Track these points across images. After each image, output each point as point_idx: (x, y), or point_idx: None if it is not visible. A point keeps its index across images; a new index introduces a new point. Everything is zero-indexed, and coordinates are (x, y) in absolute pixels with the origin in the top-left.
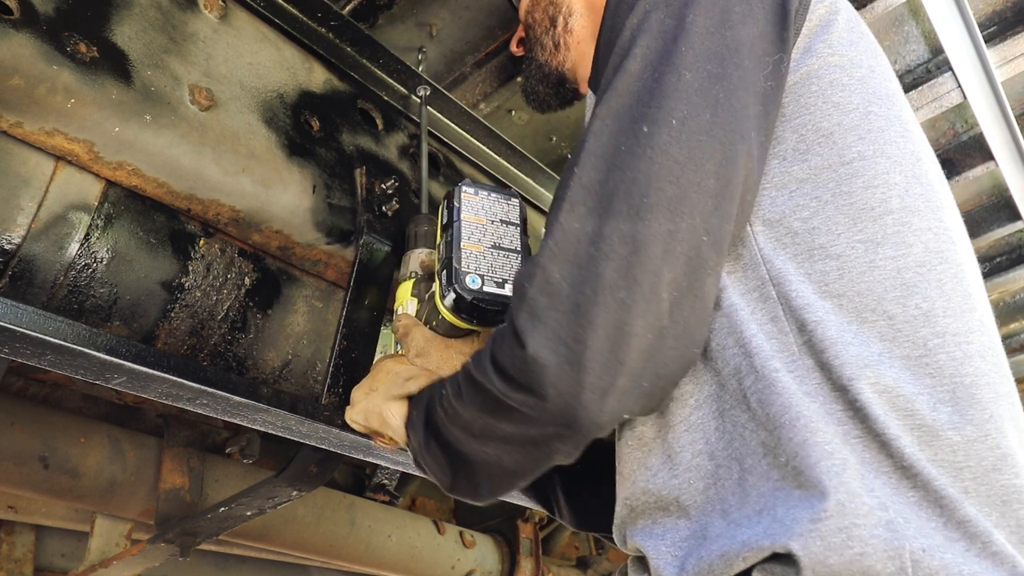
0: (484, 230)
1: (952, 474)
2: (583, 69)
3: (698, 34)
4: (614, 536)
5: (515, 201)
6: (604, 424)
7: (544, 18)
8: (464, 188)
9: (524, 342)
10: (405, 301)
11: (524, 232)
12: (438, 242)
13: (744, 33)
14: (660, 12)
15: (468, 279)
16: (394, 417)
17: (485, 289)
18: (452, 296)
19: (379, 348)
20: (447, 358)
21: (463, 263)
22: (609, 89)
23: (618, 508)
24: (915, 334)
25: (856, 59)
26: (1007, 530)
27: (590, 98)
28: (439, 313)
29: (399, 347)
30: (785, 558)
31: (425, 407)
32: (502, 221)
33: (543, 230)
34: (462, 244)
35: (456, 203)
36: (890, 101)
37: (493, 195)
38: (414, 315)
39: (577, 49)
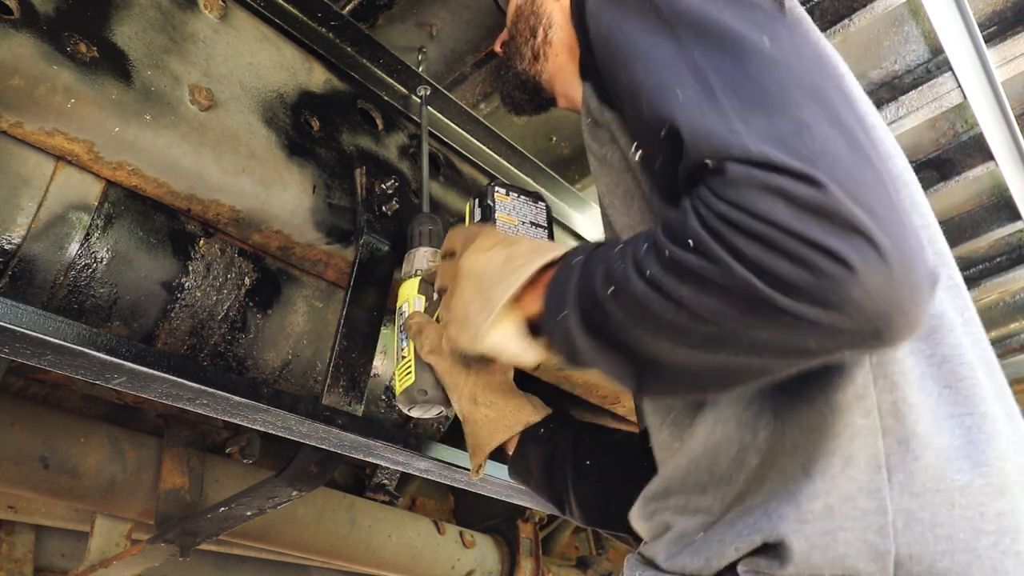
0: (516, 231)
1: (1014, 449)
2: (560, 82)
3: None
4: (637, 511)
5: (542, 204)
6: (921, 325)
7: (525, 28)
8: (497, 188)
9: (815, 244)
10: (411, 299)
11: (551, 236)
12: None
13: None
14: None
15: None
16: (509, 339)
17: None
18: None
19: (379, 348)
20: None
21: None
22: (672, 37)
23: (654, 483)
24: (954, 303)
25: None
26: None
27: (587, 89)
28: None
29: (402, 347)
30: (771, 550)
31: (578, 307)
32: (531, 223)
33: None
34: None
35: (491, 202)
36: (864, 99)
37: (523, 197)
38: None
39: (555, 61)
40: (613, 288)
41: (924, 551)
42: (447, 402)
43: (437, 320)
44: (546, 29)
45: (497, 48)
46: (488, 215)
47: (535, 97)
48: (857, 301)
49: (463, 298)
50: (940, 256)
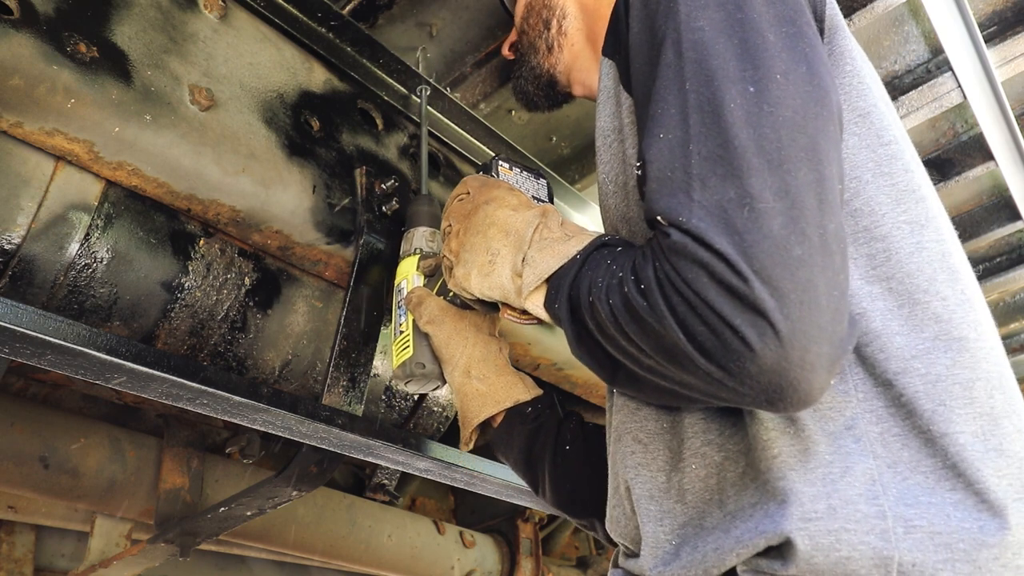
0: None
1: (1004, 469)
2: (576, 71)
3: (760, 2)
4: (609, 514)
5: (544, 180)
6: (816, 398)
7: (538, 22)
8: (501, 162)
9: (723, 319)
10: (410, 275)
11: None
12: None
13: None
14: None
15: None
16: (535, 300)
17: None
18: None
19: (379, 348)
20: (460, 328)
21: None
22: (683, 64)
23: (616, 482)
24: (967, 316)
25: (864, 56)
26: None
27: (607, 65)
28: None
29: (401, 322)
30: (773, 551)
31: (568, 300)
32: (534, 198)
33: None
34: None
35: (495, 174)
36: (889, 107)
37: (525, 172)
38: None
39: (570, 51)
40: (591, 301)
41: (926, 559)
42: (443, 377)
43: (440, 293)
44: (560, 20)
45: (505, 52)
46: None
47: (550, 92)
48: (753, 375)
49: (486, 245)
50: (952, 272)
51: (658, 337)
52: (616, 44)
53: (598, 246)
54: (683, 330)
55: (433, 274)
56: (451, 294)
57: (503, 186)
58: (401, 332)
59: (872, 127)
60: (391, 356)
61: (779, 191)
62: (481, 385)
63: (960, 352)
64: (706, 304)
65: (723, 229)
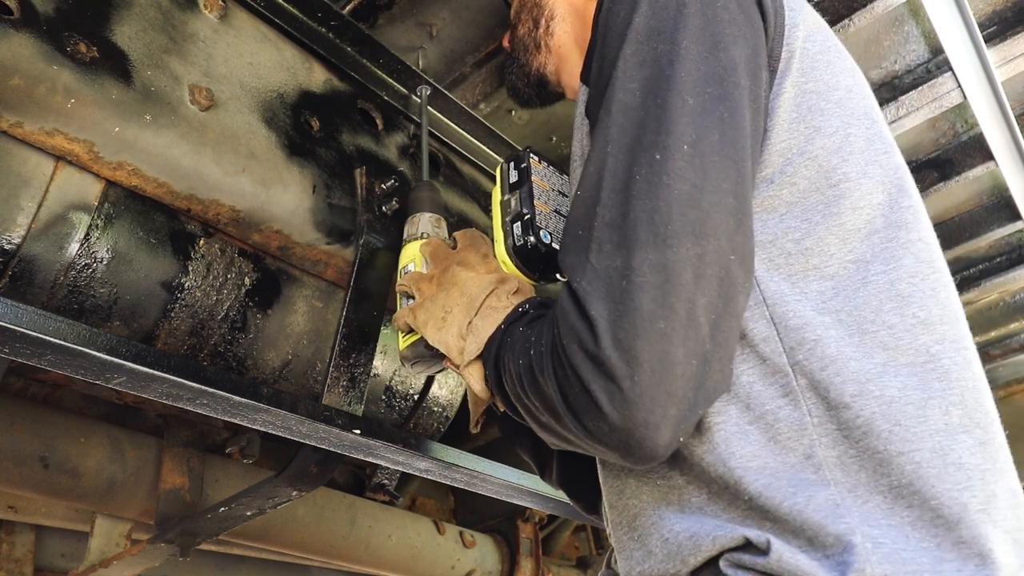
0: (548, 195)
1: (964, 482)
2: (566, 74)
3: (693, 59)
4: (606, 501)
5: (566, 176)
6: (661, 455)
7: (528, 19)
8: (532, 154)
9: (583, 383)
10: (419, 259)
11: None
12: (501, 198)
13: (737, 53)
14: (652, 41)
15: (542, 233)
16: (474, 376)
17: (553, 245)
18: (530, 242)
19: (379, 348)
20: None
21: (538, 219)
22: (610, 124)
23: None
24: (915, 341)
25: (832, 82)
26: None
27: (583, 91)
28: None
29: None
30: (753, 547)
31: (494, 365)
32: (559, 192)
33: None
34: (535, 202)
35: (527, 165)
36: (869, 120)
37: (551, 167)
38: None
39: (558, 53)
40: (515, 376)
41: (897, 570)
42: None
43: None
44: (548, 20)
45: (505, 44)
46: (525, 177)
47: (540, 90)
48: (605, 433)
49: (448, 301)
50: (900, 299)
51: (545, 396)
52: (588, 73)
53: (516, 318)
54: (559, 391)
55: None
56: None
57: (482, 251)
58: None
59: (820, 169)
60: (397, 338)
61: (657, 266)
62: None
63: (909, 376)
64: (574, 369)
65: (603, 296)
